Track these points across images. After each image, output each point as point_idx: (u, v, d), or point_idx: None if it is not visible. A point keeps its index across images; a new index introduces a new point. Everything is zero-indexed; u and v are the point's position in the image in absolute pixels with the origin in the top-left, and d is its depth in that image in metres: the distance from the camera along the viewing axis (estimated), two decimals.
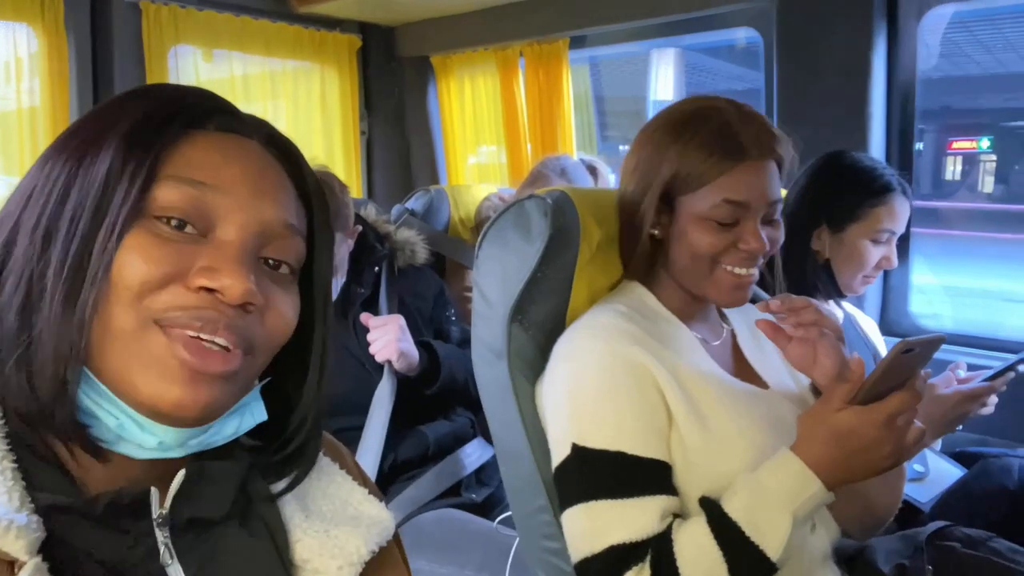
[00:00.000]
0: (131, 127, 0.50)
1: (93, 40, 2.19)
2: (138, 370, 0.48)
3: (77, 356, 0.47)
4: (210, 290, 0.49)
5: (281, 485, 0.60)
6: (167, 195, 0.50)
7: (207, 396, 0.49)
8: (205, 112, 0.54)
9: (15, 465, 0.46)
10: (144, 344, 0.48)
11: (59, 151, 0.52)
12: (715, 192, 0.95)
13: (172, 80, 2.32)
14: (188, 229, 0.50)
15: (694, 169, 0.95)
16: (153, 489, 0.51)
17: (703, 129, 0.96)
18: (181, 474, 0.52)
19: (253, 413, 0.56)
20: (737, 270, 0.97)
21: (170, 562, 0.51)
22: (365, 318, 1.54)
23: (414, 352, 1.55)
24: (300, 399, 0.59)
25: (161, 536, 0.51)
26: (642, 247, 1.00)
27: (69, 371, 0.47)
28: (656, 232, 1.00)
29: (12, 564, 0.43)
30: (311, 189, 0.58)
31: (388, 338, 1.51)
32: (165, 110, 0.52)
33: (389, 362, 1.53)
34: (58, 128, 2.09)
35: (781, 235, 1.00)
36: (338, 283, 1.59)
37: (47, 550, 0.44)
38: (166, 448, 0.51)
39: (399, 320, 1.55)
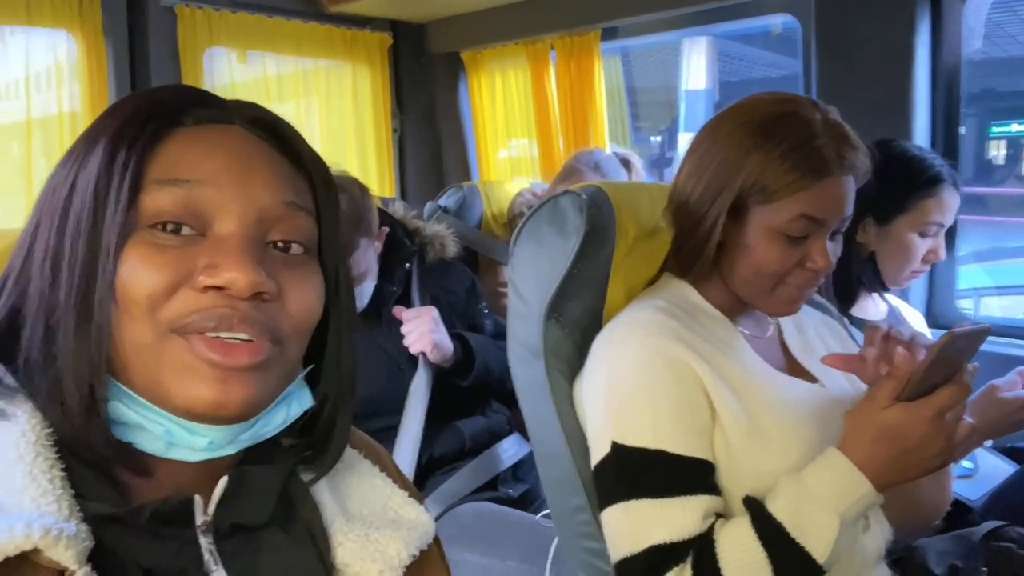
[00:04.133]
0: (110, 139, 0.50)
1: (131, 44, 2.23)
2: (169, 379, 0.48)
3: (100, 379, 0.47)
4: (219, 287, 0.48)
5: (311, 475, 0.59)
6: (155, 201, 0.48)
7: (242, 391, 0.49)
8: (179, 108, 0.52)
9: (63, 474, 0.47)
10: (168, 354, 0.48)
11: (57, 174, 0.51)
12: (793, 206, 0.91)
13: (207, 82, 2.35)
14: (185, 231, 0.49)
15: (775, 181, 0.91)
16: (197, 497, 0.51)
17: (788, 138, 0.90)
18: (224, 481, 0.52)
19: (300, 401, 0.55)
20: (797, 292, 0.94)
21: (215, 568, 0.51)
22: (398, 310, 1.54)
23: (448, 343, 1.54)
24: (321, 381, 0.58)
25: (205, 543, 0.51)
26: (708, 254, 0.95)
27: (97, 394, 0.47)
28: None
29: (62, 573, 0.43)
30: (309, 163, 0.56)
31: (422, 329, 1.51)
32: (141, 115, 0.51)
33: (424, 354, 1.53)
34: None
35: (840, 248, 0.97)
36: (369, 286, 1.58)
37: (95, 559, 0.45)
38: (217, 447, 0.51)
39: (432, 311, 1.54)
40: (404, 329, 1.52)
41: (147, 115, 0.51)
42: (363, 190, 1.55)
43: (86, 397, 0.47)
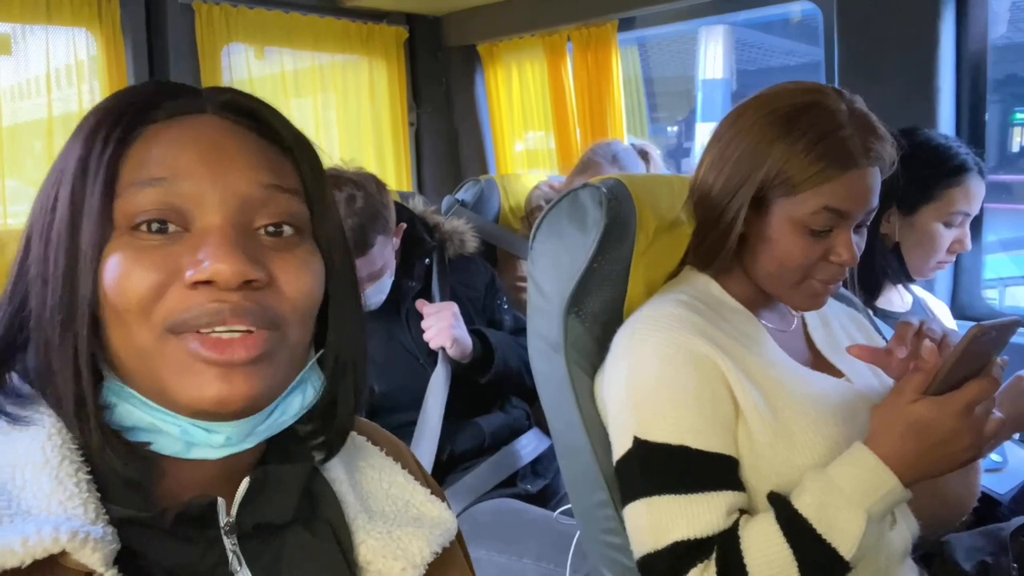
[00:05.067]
0: (81, 146, 0.49)
1: (149, 41, 2.24)
2: (171, 381, 0.47)
3: (88, 387, 0.47)
4: (207, 282, 0.47)
5: (323, 457, 0.59)
6: (134, 203, 0.47)
7: (245, 385, 0.48)
8: (149, 104, 0.51)
9: (89, 477, 0.47)
10: (167, 355, 0.47)
11: (48, 175, 0.51)
12: (817, 198, 0.90)
13: (226, 78, 2.36)
14: (171, 229, 0.48)
15: (799, 173, 0.89)
16: (220, 499, 0.51)
17: (812, 129, 0.89)
18: (246, 482, 0.52)
19: (315, 386, 0.55)
20: (823, 288, 0.93)
21: (239, 568, 0.51)
22: (420, 304, 1.54)
23: (467, 339, 1.54)
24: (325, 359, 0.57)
25: (229, 543, 0.51)
26: (730, 246, 0.94)
27: (88, 402, 0.47)
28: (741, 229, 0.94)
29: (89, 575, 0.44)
30: (290, 142, 0.54)
31: (442, 324, 1.50)
32: (109, 117, 0.50)
33: (443, 349, 1.53)
34: None
35: (864, 241, 0.95)
36: (387, 281, 1.58)
37: (121, 562, 0.45)
38: (236, 442, 0.50)
39: (452, 306, 1.54)
40: (424, 324, 1.52)
41: (118, 115, 0.50)
42: (380, 186, 1.53)
43: (78, 406, 0.47)
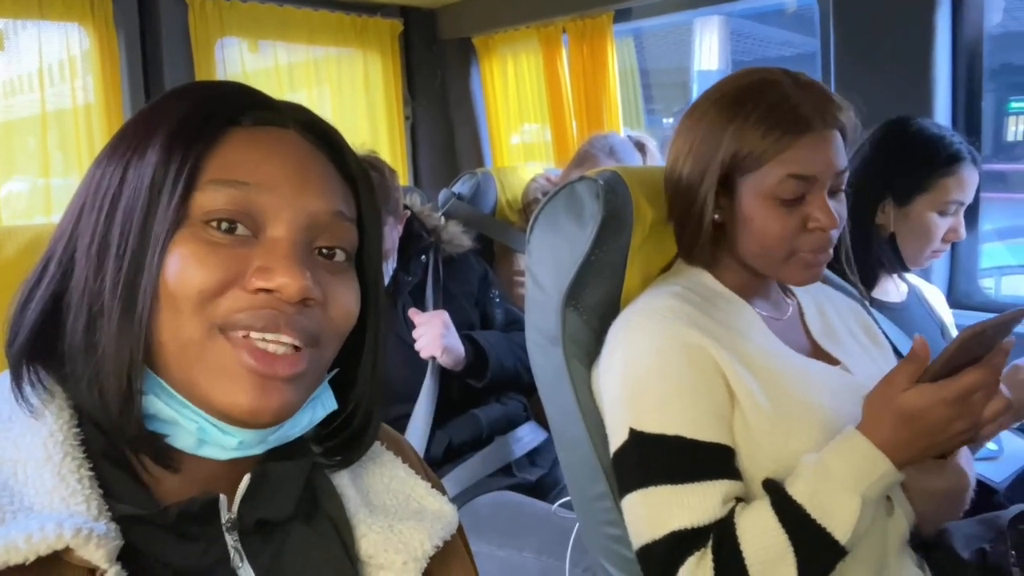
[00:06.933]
0: (169, 132, 0.50)
1: (142, 36, 2.23)
2: (208, 379, 0.48)
3: (138, 370, 0.48)
4: (269, 290, 0.49)
5: (335, 467, 0.60)
6: (212, 199, 0.49)
7: (278, 400, 0.49)
8: (240, 108, 0.53)
9: (92, 473, 0.47)
10: (212, 353, 0.48)
11: (105, 161, 0.52)
12: (779, 168, 0.91)
13: (219, 72, 2.35)
14: (240, 231, 0.50)
15: (754, 147, 0.91)
16: (221, 495, 0.51)
17: (760, 104, 0.91)
18: (247, 478, 0.52)
19: (324, 404, 0.56)
20: (813, 257, 0.93)
21: (240, 564, 0.51)
22: (413, 313, 1.55)
23: (459, 347, 1.54)
24: (356, 384, 0.59)
25: (231, 540, 0.52)
26: (705, 234, 0.96)
27: (133, 384, 0.48)
28: (717, 216, 0.96)
29: (93, 572, 0.44)
30: (355, 172, 0.57)
31: (432, 333, 1.51)
32: (200, 111, 0.51)
33: (433, 359, 1.53)
34: (112, 124, 2.13)
35: (845, 208, 0.96)
36: (389, 268, 1.60)
37: (123, 558, 0.45)
38: (247, 447, 0.51)
39: (443, 315, 1.55)
40: (415, 333, 1.53)
41: (207, 112, 0.51)
42: (391, 171, 1.59)
43: (124, 387, 0.48)
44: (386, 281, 1.58)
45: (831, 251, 0.95)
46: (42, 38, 2.12)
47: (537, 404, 1.16)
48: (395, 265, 1.62)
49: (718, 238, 0.98)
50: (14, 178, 2.17)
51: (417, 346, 1.52)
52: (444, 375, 1.57)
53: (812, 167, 0.91)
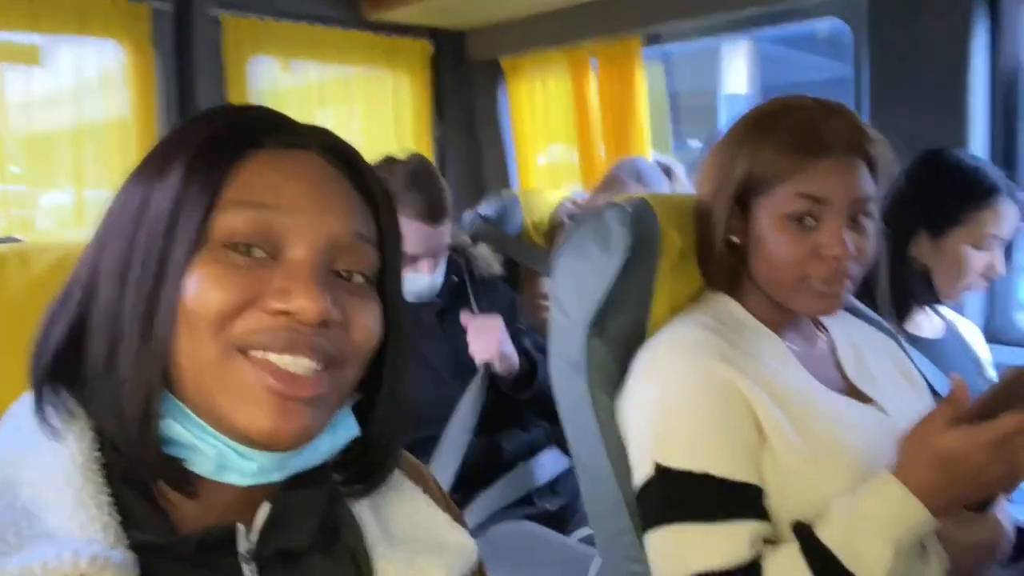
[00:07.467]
0: (191, 155, 0.50)
1: (177, 53, 2.27)
2: (227, 401, 0.48)
3: (157, 393, 0.47)
4: (288, 312, 0.48)
5: (355, 495, 0.59)
6: (232, 221, 0.49)
7: (299, 423, 0.49)
8: (262, 131, 0.53)
9: (111, 499, 0.47)
10: (231, 374, 0.48)
11: (131, 183, 0.52)
12: (790, 188, 0.90)
13: (252, 90, 2.39)
14: (257, 253, 0.49)
15: (769, 167, 0.90)
16: (240, 525, 0.51)
17: (781, 126, 0.90)
18: (266, 507, 0.52)
19: (346, 429, 0.55)
20: (825, 287, 0.90)
21: None
22: (465, 318, 1.51)
23: (515, 354, 1.51)
24: (375, 409, 0.58)
25: (248, 570, 0.51)
26: (718, 255, 0.95)
27: (152, 408, 0.47)
28: (734, 238, 0.95)
29: None
30: (376, 193, 0.56)
31: (491, 338, 1.47)
32: (223, 135, 0.51)
33: (486, 365, 1.49)
34: (146, 138, 2.17)
35: (872, 244, 0.92)
36: (441, 269, 1.57)
37: None
38: (267, 472, 0.50)
39: (500, 320, 1.51)
40: (470, 337, 1.49)
41: (229, 136, 0.51)
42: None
43: (143, 411, 0.47)
44: (440, 281, 1.56)
45: (848, 283, 0.92)
46: (80, 53, 2.17)
47: (560, 431, 1.14)
48: (444, 273, 1.58)
49: (737, 262, 0.97)
50: (51, 190, 2.22)
51: (472, 350, 1.48)
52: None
53: (825, 190, 0.89)
